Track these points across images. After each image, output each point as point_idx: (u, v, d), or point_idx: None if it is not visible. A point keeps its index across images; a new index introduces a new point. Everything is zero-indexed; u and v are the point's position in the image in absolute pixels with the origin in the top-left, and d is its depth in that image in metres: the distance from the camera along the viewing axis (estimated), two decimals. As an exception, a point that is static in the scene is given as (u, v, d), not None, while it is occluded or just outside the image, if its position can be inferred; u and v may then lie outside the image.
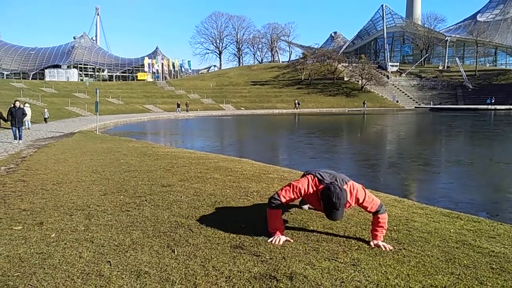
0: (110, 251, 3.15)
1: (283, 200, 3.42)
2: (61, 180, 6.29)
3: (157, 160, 8.80)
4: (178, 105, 50.67)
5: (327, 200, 3.14)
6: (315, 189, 3.37)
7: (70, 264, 2.89)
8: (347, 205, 3.32)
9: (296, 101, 61.03)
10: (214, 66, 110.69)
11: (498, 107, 55.28)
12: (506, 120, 35.80)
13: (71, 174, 6.93)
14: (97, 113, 22.27)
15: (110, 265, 2.87)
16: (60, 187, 5.72)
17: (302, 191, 3.41)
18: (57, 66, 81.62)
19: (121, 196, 5.10)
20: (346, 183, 3.35)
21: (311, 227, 3.80)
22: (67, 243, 3.33)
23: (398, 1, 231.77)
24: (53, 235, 3.54)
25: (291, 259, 2.97)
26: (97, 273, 2.73)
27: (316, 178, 3.40)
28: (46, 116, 28.79)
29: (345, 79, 75.14)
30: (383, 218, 3.39)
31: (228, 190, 5.46)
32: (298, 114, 49.68)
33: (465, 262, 2.99)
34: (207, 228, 3.70)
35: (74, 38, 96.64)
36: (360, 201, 3.36)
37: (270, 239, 3.36)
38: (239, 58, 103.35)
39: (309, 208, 4.51)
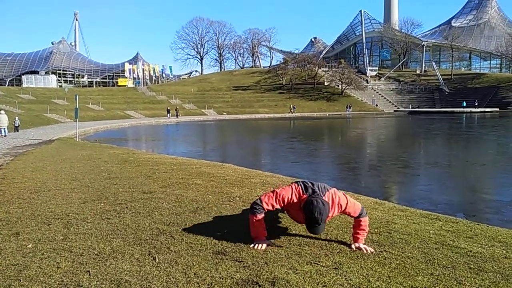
0: (89, 260, 3.08)
1: (265, 206, 3.40)
2: (39, 189, 6.14)
3: (138, 166, 8.68)
4: (168, 111, 50.25)
5: (309, 215, 3.13)
6: (298, 198, 3.36)
7: (47, 275, 2.81)
8: (331, 215, 3.34)
9: (292, 105, 61.42)
10: (196, 71, 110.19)
11: (473, 110, 56.81)
12: (481, 123, 36.78)
13: (50, 182, 6.77)
14: (77, 119, 21.87)
15: (89, 274, 2.81)
16: (38, 196, 5.58)
17: (286, 200, 3.39)
18: (34, 72, 79.84)
19: (102, 204, 5.01)
20: (327, 190, 3.37)
21: (293, 231, 3.81)
22: (45, 253, 3.24)
23: (376, 7, 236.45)
24: (29, 245, 3.45)
25: (274, 264, 2.97)
26: (75, 284, 2.67)
27: (300, 187, 3.40)
28: (17, 124, 26.88)
29: (326, 83, 75.91)
30: (365, 221, 3.42)
31: (210, 196, 5.43)
32: (291, 119, 49.81)
33: (444, 262, 3.05)
34: (189, 234, 3.67)
35: (52, 43, 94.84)
36: (343, 208, 3.38)
37: (253, 244, 3.35)
38: (220, 64, 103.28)
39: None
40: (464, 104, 61.21)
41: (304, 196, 3.31)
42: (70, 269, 2.90)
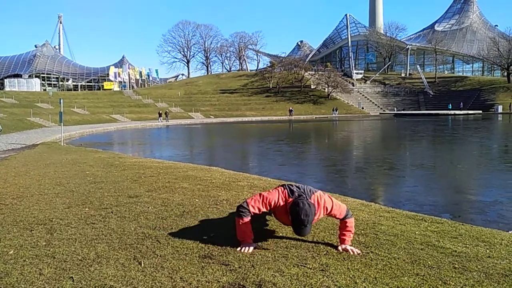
0: (73, 266, 3.02)
1: (252, 210, 3.39)
2: (21, 194, 6.01)
3: (124, 170, 8.59)
4: (160, 115, 50.20)
5: (295, 217, 3.14)
6: (284, 202, 3.36)
7: (29, 282, 2.75)
8: (316, 217, 3.35)
9: (290, 108, 62.05)
10: (182, 74, 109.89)
11: (457, 112, 57.84)
12: (464, 125, 37.42)
13: (33, 187, 6.64)
14: (62, 123, 21.56)
15: (73, 281, 2.75)
16: (21, 201, 5.46)
17: (272, 203, 3.39)
18: (17, 76, 78.45)
19: (86, 209, 4.93)
20: (313, 193, 3.38)
21: (280, 234, 3.80)
22: (26, 259, 3.17)
23: (361, 11, 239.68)
24: (11, 252, 3.37)
25: (260, 266, 2.95)
26: (58, 290, 2.61)
27: (286, 190, 3.40)
28: None
29: (312, 87, 76.40)
30: (350, 222, 3.44)
31: (197, 200, 5.40)
32: (291, 121, 49.89)
33: (429, 262, 3.07)
34: (175, 238, 3.63)
35: (36, 46, 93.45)
36: (329, 210, 3.40)
37: (239, 247, 3.33)
38: (207, 67, 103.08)
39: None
40: (450, 106, 62.22)
41: (290, 199, 3.31)
42: (53, 276, 2.84)
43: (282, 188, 3.45)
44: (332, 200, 3.44)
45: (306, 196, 3.29)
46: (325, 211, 3.40)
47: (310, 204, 3.18)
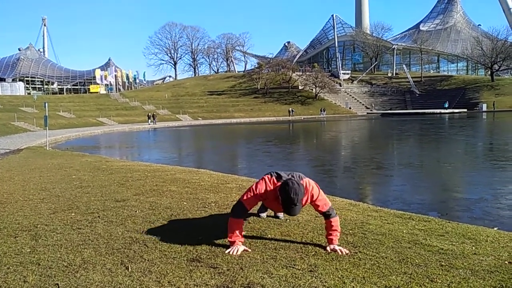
0: (58, 272, 2.97)
1: (247, 206, 3.44)
2: (5, 200, 5.90)
3: (111, 174, 8.49)
4: (149, 117, 50.02)
5: (285, 196, 3.18)
6: (273, 187, 3.41)
7: (13, 290, 2.69)
8: (304, 200, 3.37)
9: (290, 109, 62.44)
10: (170, 76, 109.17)
11: (442, 111, 58.59)
12: (450, 123, 37.95)
13: (17, 193, 6.52)
14: (47, 127, 21.25)
15: (58, 287, 2.70)
16: (4, 208, 5.35)
17: (263, 191, 3.43)
18: (1, 80, 77.30)
19: (72, 214, 4.86)
20: (302, 179, 3.43)
21: (269, 235, 3.80)
22: (10, 267, 3.11)
23: (347, 11, 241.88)
24: (-6, 259, 3.30)
25: (249, 269, 2.94)
26: (43, 298, 2.56)
27: (273, 177, 3.45)
28: None
29: (300, 87, 76.66)
30: (335, 221, 3.46)
31: (185, 202, 5.36)
32: (291, 122, 49.97)
33: (416, 261, 3.10)
34: (162, 242, 3.60)
35: (19, 49, 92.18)
36: (314, 198, 3.43)
37: (228, 250, 3.32)
38: (194, 68, 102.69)
39: (267, 216, 4.52)
40: (446, 105, 62.47)
41: (279, 183, 3.36)
42: (38, 283, 2.79)
43: (269, 176, 3.49)
44: (319, 190, 3.48)
45: (295, 179, 3.34)
46: (311, 198, 3.43)
47: (299, 184, 3.24)
